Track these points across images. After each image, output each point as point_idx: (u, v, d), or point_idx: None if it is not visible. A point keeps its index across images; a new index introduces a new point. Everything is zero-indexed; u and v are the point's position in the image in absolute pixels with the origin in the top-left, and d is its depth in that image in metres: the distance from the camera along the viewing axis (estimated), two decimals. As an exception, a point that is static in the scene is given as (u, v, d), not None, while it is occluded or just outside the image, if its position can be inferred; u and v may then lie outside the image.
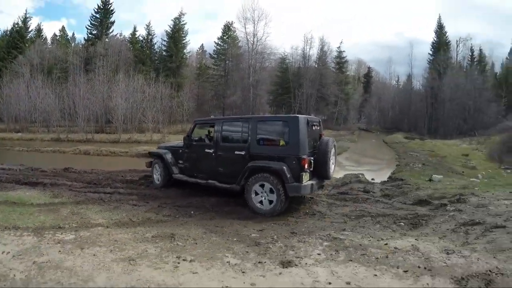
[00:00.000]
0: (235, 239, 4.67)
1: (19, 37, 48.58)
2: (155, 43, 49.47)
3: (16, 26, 49.86)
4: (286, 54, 49.37)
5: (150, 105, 33.13)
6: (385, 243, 4.29)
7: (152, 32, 49.04)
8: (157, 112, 32.78)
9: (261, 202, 6.02)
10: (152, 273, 3.49)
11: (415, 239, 4.42)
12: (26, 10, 60.87)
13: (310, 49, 47.25)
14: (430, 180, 10.22)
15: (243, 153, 6.27)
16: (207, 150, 6.96)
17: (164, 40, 47.90)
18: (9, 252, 4.08)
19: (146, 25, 49.47)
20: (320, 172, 6.22)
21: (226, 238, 4.70)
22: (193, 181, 7.35)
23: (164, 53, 47.96)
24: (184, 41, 48.56)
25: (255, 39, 44.12)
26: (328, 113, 47.66)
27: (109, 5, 49.03)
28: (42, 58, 45.10)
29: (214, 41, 49.62)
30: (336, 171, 8.25)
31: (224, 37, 48.28)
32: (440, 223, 5.32)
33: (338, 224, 5.46)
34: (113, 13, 49.42)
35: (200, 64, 55.60)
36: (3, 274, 3.53)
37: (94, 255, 4.00)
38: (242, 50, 46.14)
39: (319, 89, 45.17)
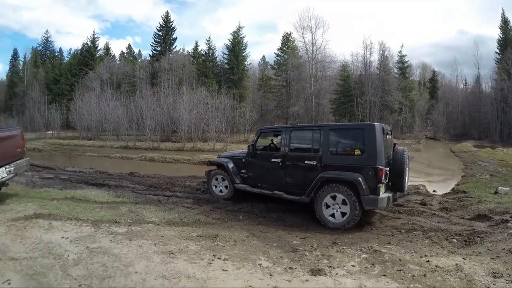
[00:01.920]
0: (275, 244, 4.80)
1: (89, 55, 56.43)
2: (216, 57, 52.59)
3: (86, 45, 58.10)
4: (346, 61, 48.33)
5: (213, 115, 34.62)
6: (427, 260, 4.11)
7: (213, 46, 52.19)
8: (220, 122, 34.03)
9: (332, 215, 5.82)
10: (186, 266, 3.80)
11: (463, 258, 4.18)
12: (94, 31, 71.94)
13: (370, 55, 45.38)
14: (495, 192, 8.97)
15: (314, 163, 6.09)
16: (273, 160, 6.81)
17: (225, 53, 50.57)
18: (67, 238, 4.77)
19: (207, 39, 52.98)
20: (395, 184, 6.02)
21: (266, 243, 4.85)
22: (256, 191, 7.24)
23: (225, 65, 50.55)
24: (244, 53, 50.64)
25: (314, 48, 43.95)
26: (392, 122, 45.39)
27: (171, 23, 53.92)
28: (111, 73, 51.17)
29: (274, 52, 50.86)
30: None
31: (284, 48, 49.24)
32: (497, 241, 4.92)
33: (384, 236, 5.35)
34: (174, 30, 54.29)
35: (262, 75, 57.23)
36: (59, 254, 4.16)
37: (139, 246, 4.47)
38: (302, 59, 46.26)
39: (382, 96, 43.09)
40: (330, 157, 5.96)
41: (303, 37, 44.53)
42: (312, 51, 43.92)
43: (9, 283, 3.51)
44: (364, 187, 5.37)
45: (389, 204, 5.78)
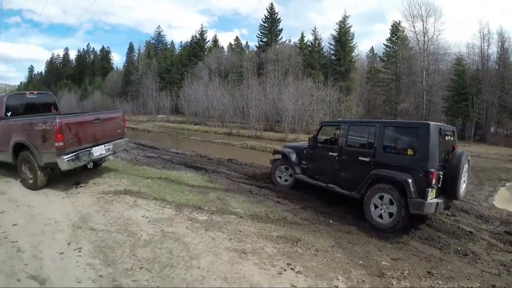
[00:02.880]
0: (360, 262, 4.20)
1: (198, 47, 62.56)
2: (323, 47, 51.97)
3: (195, 38, 64.66)
4: (461, 54, 41.81)
5: (318, 107, 34.39)
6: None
7: (319, 36, 51.69)
8: (325, 115, 33.54)
9: (379, 215, 5.82)
10: (253, 272, 3.48)
11: None
12: (201, 24, 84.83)
13: (488, 46, 38.26)
14: None
15: (367, 159, 6.17)
16: (331, 153, 7.03)
17: (331, 44, 49.70)
18: (147, 217, 4.96)
19: (312, 30, 52.44)
20: (448, 189, 5.73)
21: (351, 258, 4.27)
22: (313, 183, 7.49)
23: (332, 56, 49.84)
24: (351, 44, 49.11)
25: (426, 38, 39.58)
26: (513, 126, 37.74)
27: (275, 15, 55.69)
28: (219, 63, 55.29)
29: (383, 43, 47.69)
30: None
31: (393, 38, 45.87)
32: None
33: (489, 275, 4.41)
34: (279, 21, 55.83)
35: (371, 67, 54.38)
36: (134, 232, 4.33)
37: (213, 238, 4.32)
38: (413, 51, 42.28)
39: (501, 96, 36.32)
40: (383, 155, 6.00)
41: (413, 26, 40.77)
42: (424, 41, 39.93)
43: (80, 251, 3.79)
44: (412, 189, 5.32)
45: (437, 210, 5.55)
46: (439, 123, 5.97)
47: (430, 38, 39.64)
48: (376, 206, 5.86)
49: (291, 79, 37.78)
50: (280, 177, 8.43)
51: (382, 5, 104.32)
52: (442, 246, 5.15)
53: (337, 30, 48.00)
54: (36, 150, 6.02)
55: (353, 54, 50.01)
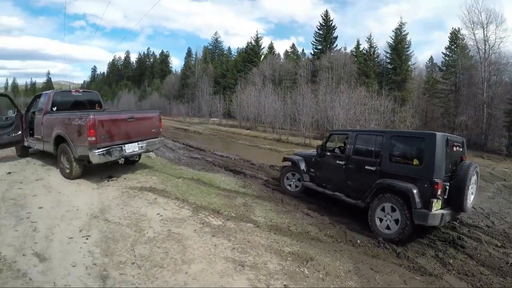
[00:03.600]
0: None
1: (253, 53, 64.35)
2: (378, 55, 50.42)
3: (250, 44, 66.57)
4: None
5: (370, 117, 33.15)
6: None
7: (374, 44, 50.22)
8: (377, 125, 32.11)
9: (384, 225, 5.83)
10: None
11: None
12: (257, 31, 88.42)
13: None
14: None
15: (373, 168, 6.22)
16: (338, 162, 7.12)
17: (387, 52, 48.01)
18: (161, 216, 5.06)
19: (367, 37, 51.18)
20: (455, 201, 5.68)
21: None
22: (320, 190, 7.61)
23: (388, 65, 48.23)
24: (408, 52, 47.24)
25: (487, 47, 36.57)
26: None
27: (330, 22, 55.44)
28: (274, 70, 55.94)
29: (442, 52, 45.02)
30: None
31: (452, 47, 43.17)
32: None
33: None
34: (335, 29, 55.31)
35: (429, 77, 51.28)
36: (141, 228, 4.47)
37: (215, 245, 4.24)
38: (473, 60, 39.38)
39: None
40: (389, 165, 6.04)
41: (473, 34, 37.68)
42: (484, 50, 36.81)
43: (87, 238, 4.06)
44: (417, 200, 5.33)
45: (442, 222, 5.51)
46: (446, 134, 6.05)
47: (491, 46, 36.73)
48: (380, 216, 5.90)
49: (343, 87, 36.93)
50: (289, 184, 8.50)
51: (441, 12, 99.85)
52: (483, 285, 4.39)
53: (393, 37, 46.64)
54: (72, 143, 6.57)
55: (410, 63, 48.20)
